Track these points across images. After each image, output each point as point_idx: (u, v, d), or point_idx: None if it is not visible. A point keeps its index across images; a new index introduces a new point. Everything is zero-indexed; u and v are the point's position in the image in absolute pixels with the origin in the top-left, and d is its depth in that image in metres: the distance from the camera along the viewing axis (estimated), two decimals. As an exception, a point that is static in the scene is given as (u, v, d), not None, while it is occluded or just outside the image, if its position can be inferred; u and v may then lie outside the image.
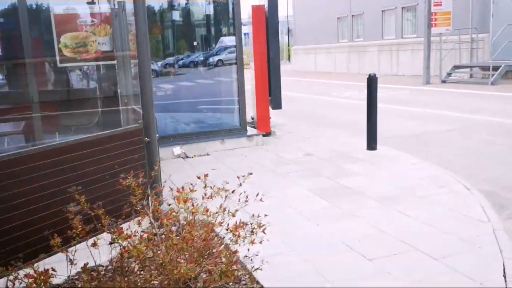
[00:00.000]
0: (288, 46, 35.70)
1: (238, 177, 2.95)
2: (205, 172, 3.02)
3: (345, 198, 4.93)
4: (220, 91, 8.64)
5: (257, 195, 2.91)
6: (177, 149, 7.27)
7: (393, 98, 13.98)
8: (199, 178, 2.93)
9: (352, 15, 25.75)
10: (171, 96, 8.32)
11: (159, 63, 8.29)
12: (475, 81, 16.98)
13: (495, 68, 15.65)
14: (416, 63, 20.40)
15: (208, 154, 7.32)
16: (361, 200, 4.86)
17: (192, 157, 7.24)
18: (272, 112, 8.51)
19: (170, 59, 8.39)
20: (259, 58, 8.18)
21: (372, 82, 6.89)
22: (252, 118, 8.51)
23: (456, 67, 17.82)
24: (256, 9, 8.15)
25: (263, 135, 8.24)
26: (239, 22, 7.66)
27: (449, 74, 17.59)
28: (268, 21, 8.02)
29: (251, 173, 3.05)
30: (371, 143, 7.00)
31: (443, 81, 17.34)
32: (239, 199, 2.82)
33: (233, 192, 2.89)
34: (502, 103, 11.87)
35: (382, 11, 23.17)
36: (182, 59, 8.53)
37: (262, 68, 8.18)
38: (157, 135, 4.77)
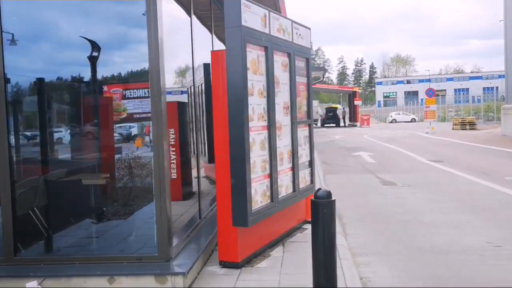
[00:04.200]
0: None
1: None
2: None
3: None
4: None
5: None
6: (32, 284, 4.41)
7: None
8: None
9: None
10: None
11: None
12: None
13: None
14: None
15: (77, 300, 4.26)
16: None
17: (54, 301, 4.29)
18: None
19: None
20: (220, 137, 4.85)
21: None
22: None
23: None
24: (215, 56, 4.89)
25: (224, 265, 4.80)
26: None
27: None
28: (229, 73, 4.67)
29: None
30: None
31: None
32: None
33: None
34: None
35: None
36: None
37: (223, 152, 4.80)
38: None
